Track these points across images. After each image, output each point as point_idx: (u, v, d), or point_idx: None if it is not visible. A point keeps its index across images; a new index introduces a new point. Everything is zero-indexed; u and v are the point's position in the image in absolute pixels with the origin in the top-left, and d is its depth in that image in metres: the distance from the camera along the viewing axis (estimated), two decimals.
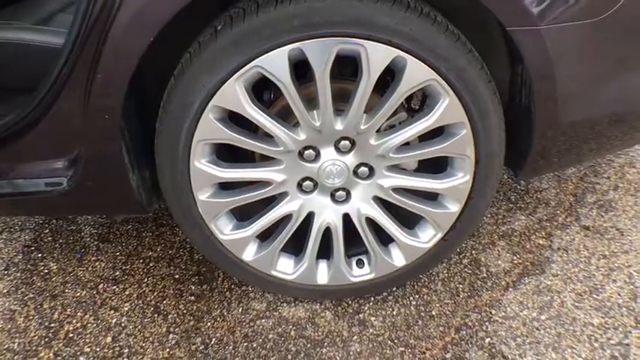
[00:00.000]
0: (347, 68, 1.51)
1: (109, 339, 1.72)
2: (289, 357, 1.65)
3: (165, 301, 1.83)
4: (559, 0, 1.31)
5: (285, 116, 1.47)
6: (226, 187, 1.55)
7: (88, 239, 2.08)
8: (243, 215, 1.61)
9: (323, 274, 1.68)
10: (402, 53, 1.30)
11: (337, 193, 1.56)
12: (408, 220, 1.63)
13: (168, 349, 1.68)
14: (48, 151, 1.53)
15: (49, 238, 2.10)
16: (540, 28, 1.31)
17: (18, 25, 1.66)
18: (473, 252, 1.94)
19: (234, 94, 1.34)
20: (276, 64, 1.30)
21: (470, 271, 1.87)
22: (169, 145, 1.43)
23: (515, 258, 1.91)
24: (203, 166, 1.45)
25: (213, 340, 1.70)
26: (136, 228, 2.12)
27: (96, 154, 1.49)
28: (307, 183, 1.53)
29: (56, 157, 1.53)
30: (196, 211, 1.53)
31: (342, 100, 1.41)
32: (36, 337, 1.73)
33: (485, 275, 1.85)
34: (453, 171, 1.52)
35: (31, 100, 1.42)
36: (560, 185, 2.20)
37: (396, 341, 1.67)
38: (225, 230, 1.59)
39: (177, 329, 1.74)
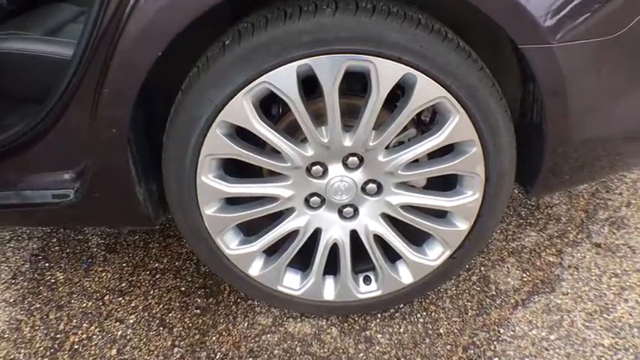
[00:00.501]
0: (356, 84, 1.49)
1: (114, 351, 1.71)
2: None
3: (170, 314, 1.82)
4: (571, 18, 1.29)
5: (293, 132, 1.45)
6: (233, 202, 1.54)
7: (95, 249, 2.08)
8: (250, 230, 1.60)
9: (330, 290, 1.67)
10: (412, 70, 1.29)
11: (345, 210, 1.54)
12: (416, 238, 1.61)
13: None
14: (55, 162, 1.53)
15: (57, 248, 2.10)
16: (552, 45, 1.29)
17: (26, 36, 1.67)
18: (482, 269, 1.91)
19: (242, 110, 1.33)
20: (284, 80, 1.29)
21: (479, 289, 1.84)
22: (176, 159, 1.42)
23: (524, 275, 1.88)
24: (210, 181, 1.44)
25: (219, 354, 1.69)
26: (142, 239, 2.11)
27: (103, 167, 1.49)
28: (315, 199, 1.51)
29: (64, 168, 1.53)
30: (202, 226, 1.52)
31: (350, 116, 1.40)
32: (41, 348, 1.73)
33: (494, 293, 1.83)
34: (462, 189, 1.50)
35: (40, 111, 1.43)
36: (571, 201, 2.17)
37: (402, 359, 1.65)
38: (231, 245, 1.58)
39: (182, 343, 1.72)
